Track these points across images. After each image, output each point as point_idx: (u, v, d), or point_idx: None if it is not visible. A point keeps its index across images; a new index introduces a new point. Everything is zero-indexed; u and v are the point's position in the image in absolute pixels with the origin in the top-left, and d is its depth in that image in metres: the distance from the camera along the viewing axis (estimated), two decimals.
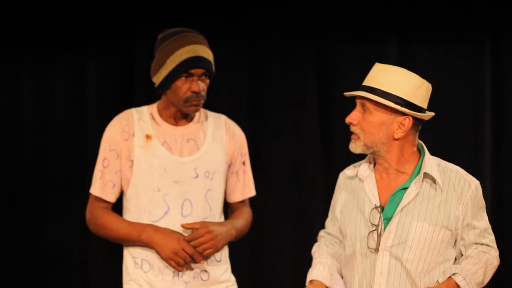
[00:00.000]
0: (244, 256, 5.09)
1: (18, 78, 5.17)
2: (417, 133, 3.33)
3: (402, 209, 3.26)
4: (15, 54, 5.15)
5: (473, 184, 3.31)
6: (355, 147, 3.30)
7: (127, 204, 3.78)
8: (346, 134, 3.37)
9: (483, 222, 3.34)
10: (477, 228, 3.31)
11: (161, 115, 3.79)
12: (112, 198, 3.79)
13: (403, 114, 3.24)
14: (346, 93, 3.33)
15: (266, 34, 5.22)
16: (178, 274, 3.71)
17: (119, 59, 5.20)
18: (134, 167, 3.73)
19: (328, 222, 3.56)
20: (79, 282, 5.19)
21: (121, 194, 3.83)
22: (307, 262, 3.55)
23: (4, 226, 5.15)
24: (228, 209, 3.95)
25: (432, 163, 3.30)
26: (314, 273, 3.42)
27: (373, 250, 3.27)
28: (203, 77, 3.72)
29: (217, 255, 3.78)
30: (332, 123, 5.20)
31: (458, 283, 3.24)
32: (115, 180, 3.77)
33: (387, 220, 3.28)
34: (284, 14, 5.22)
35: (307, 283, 3.43)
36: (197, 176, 3.74)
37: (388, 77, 3.24)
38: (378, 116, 3.25)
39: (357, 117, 3.29)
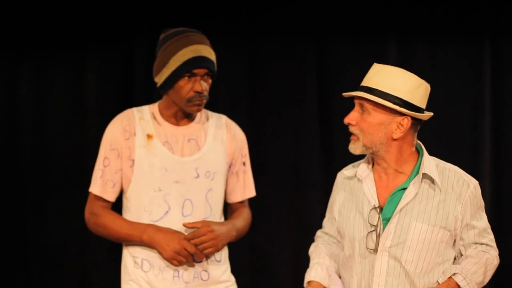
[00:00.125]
0: (244, 256, 5.10)
1: (18, 78, 5.18)
2: (416, 133, 3.34)
3: (401, 210, 3.26)
4: (15, 54, 5.16)
5: (472, 184, 3.31)
6: (355, 148, 3.31)
7: (127, 203, 3.78)
8: (346, 134, 3.37)
9: (482, 221, 3.34)
10: (476, 228, 3.31)
11: (162, 114, 3.80)
12: (112, 197, 3.80)
13: (402, 114, 3.25)
14: (345, 94, 3.34)
15: (266, 34, 5.22)
16: (178, 274, 3.71)
17: (119, 59, 5.21)
18: (135, 167, 3.73)
19: (325, 222, 3.57)
20: (79, 281, 5.19)
21: (121, 193, 3.83)
22: (307, 262, 3.56)
23: (4, 225, 5.16)
24: (228, 209, 3.96)
25: (430, 164, 3.30)
26: (312, 274, 3.43)
27: (372, 251, 3.28)
28: (206, 77, 3.72)
29: (217, 255, 3.78)
30: (331, 123, 5.20)
31: (459, 283, 3.25)
32: (115, 180, 3.77)
33: (386, 220, 3.28)
34: (283, 14, 5.22)
35: (305, 284, 3.44)
36: (198, 176, 3.74)
37: (387, 78, 3.24)
38: (377, 116, 3.26)
39: (356, 118, 3.29)
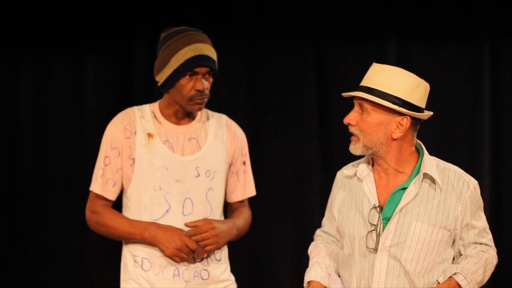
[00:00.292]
0: (243, 255, 5.10)
1: (17, 77, 5.18)
2: (416, 133, 3.34)
3: (401, 210, 3.27)
4: (14, 53, 5.16)
5: (472, 184, 3.32)
6: (355, 148, 3.31)
7: (127, 202, 3.78)
8: (345, 134, 3.38)
9: (482, 221, 3.35)
10: (476, 227, 3.32)
11: (163, 113, 3.79)
12: (112, 196, 3.79)
13: (401, 114, 3.24)
14: (344, 94, 3.34)
15: (265, 34, 5.22)
16: (178, 273, 3.71)
17: (118, 58, 5.21)
18: (136, 165, 3.73)
19: (325, 221, 3.57)
20: (78, 280, 5.19)
21: (121, 192, 3.83)
22: (306, 261, 3.56)
23: (3, 225, 5.16)
24: (228, 209, 3.96)
25: (431, 163, 3.30)
26: (312, 274, 3.42)
27: (372, 250, 3.28)
28: (207, 75, 3.72)
29: (217, 254, 3.78)
30: (331, 122, 5.20)
31: (459, 283, 3.25)
32: (116, 178, 3.77)
33: (386, 220, 3.28)
34: (283, 14, 5.22)
35: (305, 284, 3.43)
36: (198, 175, 3.74)
37: (386, 77, 3.24)
38: (376, 116, 3.26)
39: (355, 118, 3.29)
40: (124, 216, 3.76)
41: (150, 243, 3.69)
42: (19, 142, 5.16)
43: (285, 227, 5.23)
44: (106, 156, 3.77)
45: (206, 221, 3.70)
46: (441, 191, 3.28)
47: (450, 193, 3.28)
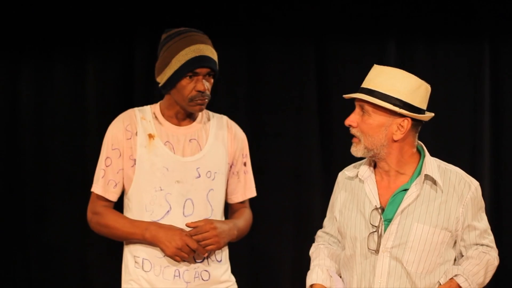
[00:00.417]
0: (244, 256, 5.10)
1: (18, 78, 5.18)
2: (417, 134, 3.34)
3: (402, 211, 3.27)
4: (15, 54, 5.16)
5: (473, 185, 3.32)
6: (356, 150, 3.31)
7: (128, 203, 3.78)
8: (346, 134, 3.38)
9: (483, 222, 3.35)
10: (477, 229, 3.32)
11: (163, 114, 3.79)
12: (114, 197, 3.79)
13: (402, 115, 3.25)
14: (345, 95, 3.34)
15: (266, 35, 5.23)
16: (179, 274, 3.71)
17: (119, 59, 5.21)
18: (137, 166, 3.73)
19: (326, 222, 3.57)
20: (79, 281, 5.19)
21: (122, 193, 3.84)
22: (306, 262, 3.56)
23: (4, 225, 5.16)
24: (229, 210, 3.96)
25: (432, 165, 3.31)
26: (313, 277, 3.43)
27: (373, 251, 3.28)
28: (208, 76, 3.72)
29: (218, 255, 3.78)
30: (331, 123, 5.21)
31: (460, 285, 3.25)
32: (117, 179, 3.77)
33: (388, 221, 3.28)
34: (283, 15, 5.22)
35: None
36: (199, 176, 3.74)
37: (386, 79, 3.24)
38: (377, 118, 3.26)
39: (356, 120, 3.29)
40: (125, 217, 3.76)
41: (151, 243, 3.69)
42: (20, 143, 5.16)
43: (285, 228, 5.23)
44: (107, 157, 3.77)
45: (207, 221, 3.70)
46: (442, 192, 3.28)
47: (451, 195, 3.28)
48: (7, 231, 5.15)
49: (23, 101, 5.17)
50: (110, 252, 4.85)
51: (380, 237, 3.27)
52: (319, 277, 3.41)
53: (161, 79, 3.73)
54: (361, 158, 3.40)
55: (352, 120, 3.30)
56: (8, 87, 5.18)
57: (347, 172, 3.46)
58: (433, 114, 3.32)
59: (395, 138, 3.27)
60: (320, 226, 3.61)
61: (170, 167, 3.72)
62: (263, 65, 5.24)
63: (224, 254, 3.82)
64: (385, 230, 3.27)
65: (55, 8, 5.12)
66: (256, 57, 5.25)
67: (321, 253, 3.49)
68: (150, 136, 3.75)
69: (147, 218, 3.71)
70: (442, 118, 4.98)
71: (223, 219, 3.85)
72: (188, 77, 3.68)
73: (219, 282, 3.79)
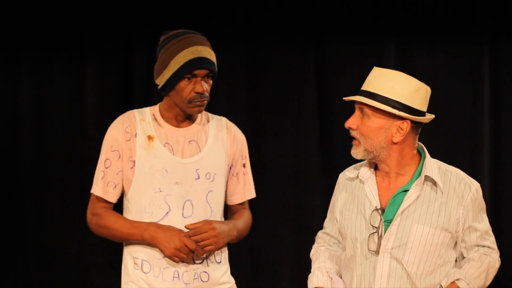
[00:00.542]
0: (244, 257, 5.10)
1: (18, 79, 5.18)
2: (417, 136, 3.34)
3: (402, 212, 3.27)
4: (15, 56, 5.16)
5: (474, 187, 3.32)
6: (356, 153, 3.31)
7: (127, 204, 3.78)
8: (345, 135, 3.38)
9: (484, 224, 3.35)
10: (478, 230, 3.32)
11: (163, 116, 3.80)
12: (113, 198, 3.79)
13: (401, 118, 3.25)
14: (345, 98, 3.34)
15: (265, 35, 5.23)
16: (178, 275, 3.72)
17: (118, 60, 5.21)
18: (136, 168, 3.73)
19: (327, 222, 3.57)
20: (79, 282, 5.20)
21: (122, 194, 3.84)
22: (306, 263, 3.56)
23: (4, 226, 5.16)
24: (228, 211, 3.96)
25: (433, 166, 3.31)
26: (314, 281, 3.44)
27: (374, 252, 3.28)
28: (206, 78, 3.72)
29: (217, 256, 3.79)
30: (331, 124, 5.21)
31: None
32: (116, 181, 3.77)
33: (388, 222, 3.28)
34: (283, 16, 5.22)
35: None
36: (198, 177, 3.74)
37: (386, 82, 3.24)
38: (377, 121, 3.26)
39: (356, 122, 3.29)
40: (124, 218, 3.77)
41: (150, 243, 3.69)
42: (20, 145, 5.16)
43: (285, 229, 5.23)
44: (106, 159, 3.77)
45: (206, 221, 3.70)
46: (442, 193, 3.28)
47: (451, 196, 3.28)
48: (6, 232, 5.15)
49: (23, 102, 5.17)
50: (110, 254, 4.85)
51: (380, 238, 3.27)
52: (320, 280, 3.42)
53: (160, 81, 3.73)
54: (361, 160, 3.40)
55: (351, 122, 3.30)
56: (8, 89, 5.18)
57: (348, 173, 3.46)
58: (433, 116, 3.32)
59: (395, 140, 3.27)
60: (320, 227, 3.61)
61: (169, 168, 3.72)
62: (263, 65, 5.24)
63: (223, 255, 3.82)
64: (385, 231, 3.28)
65: (55, 9, 5.12)
66: (256, 57, 5.25)
67: (321, 255, 3.49)
68: (150, 137, 3.75)
69: (146, 219, 3.71)
70: (442, 119, 4.97)
71: (223, 220, 3.85)
72: (186, 79, 3.68)
73: (218, 284, 3.79)
